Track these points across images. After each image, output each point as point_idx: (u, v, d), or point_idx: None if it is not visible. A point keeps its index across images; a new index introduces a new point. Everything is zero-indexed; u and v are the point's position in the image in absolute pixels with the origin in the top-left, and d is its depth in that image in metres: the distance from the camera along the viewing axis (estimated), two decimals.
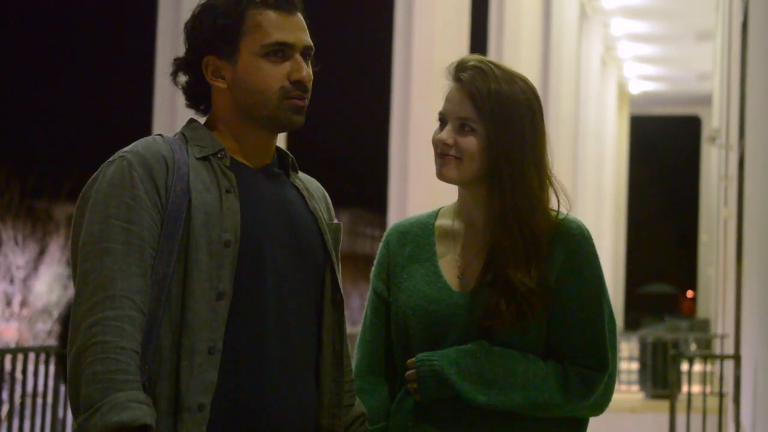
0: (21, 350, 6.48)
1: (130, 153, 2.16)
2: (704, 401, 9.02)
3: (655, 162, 49.72)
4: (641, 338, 15.75)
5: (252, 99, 2.23)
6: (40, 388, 6.60)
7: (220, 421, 2.11)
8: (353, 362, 2.49)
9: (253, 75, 2.22)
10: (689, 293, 47.45)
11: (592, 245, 2.40)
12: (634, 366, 15.92)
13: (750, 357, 7.91)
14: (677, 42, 24.09)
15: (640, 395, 14.86)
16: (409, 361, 2.38)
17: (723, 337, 13.90)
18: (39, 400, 6.56)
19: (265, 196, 2.24)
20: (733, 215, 11.88)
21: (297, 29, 2.24)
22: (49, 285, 23.91)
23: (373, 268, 2.52)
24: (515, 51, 13.80)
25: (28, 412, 6.36)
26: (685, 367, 11.63)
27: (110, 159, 2.18)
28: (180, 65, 2.27)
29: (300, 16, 2.27)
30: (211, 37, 2.22)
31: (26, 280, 23.74)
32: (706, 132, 28.87)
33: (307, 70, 2.24)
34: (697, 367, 13.05)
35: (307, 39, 2.26)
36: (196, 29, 2.24)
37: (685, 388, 12.14)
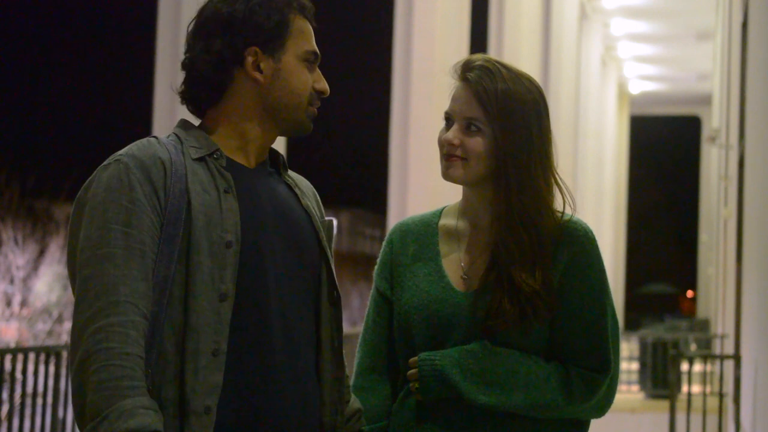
0: (21, 350, 6.48)
1: (126, 156, 2.14)
2: (704, 401, 9.02)
3: (655, 162, 49.73)
4: (641, 338, 15.76)
5: (287, 99, 2.26)
6: (40, 388, 6.60)
7: (227, 423, 2.10)
8: (355, 361, 2.49)
9: (294, 76, 2.26)
10: (689, 293, 47.46)
11: (596, 247, 2.39)
12: (634, 366, 15.93)
13: (750, 357, 7.91)
14: (677, 42, 24.09)
15: (640, 395, 14.87)
16: (411, 360, 2.38)
17: (723, 337, 13.90)
18: (39, 400, 6.56)
19: (261, 195, 2.24)
20: (733, 215, 11.88)
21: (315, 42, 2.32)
22: (49, 285, 23.90)
23: (376, 267, 2.52)
24: (515, 51, 13.80)
25: (28, 412, 6.36)
26: (685, 367, 11.63)
27: (105, 162, 2.15)
28: (212, 50, 2.23)
29: None
30: (262, 30, 2.23)
31: (26, 280, 23.73)
32: (706, 132, 28.86)
33: (326, 83, 2.32)
34: (697, 367, 13.05)
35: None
36: (247, 17, 2.23)
37: (685, 388, 12.15)
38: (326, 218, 2.39)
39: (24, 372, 6.29)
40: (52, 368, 6.55)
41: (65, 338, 22.60)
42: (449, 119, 2.41)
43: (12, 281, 23.56)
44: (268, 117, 2.26)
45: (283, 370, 2.18)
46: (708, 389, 10.24)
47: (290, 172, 2.38)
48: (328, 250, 2.33)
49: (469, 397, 2.31)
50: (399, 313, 2.42)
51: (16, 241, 23.88)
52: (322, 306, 2.29)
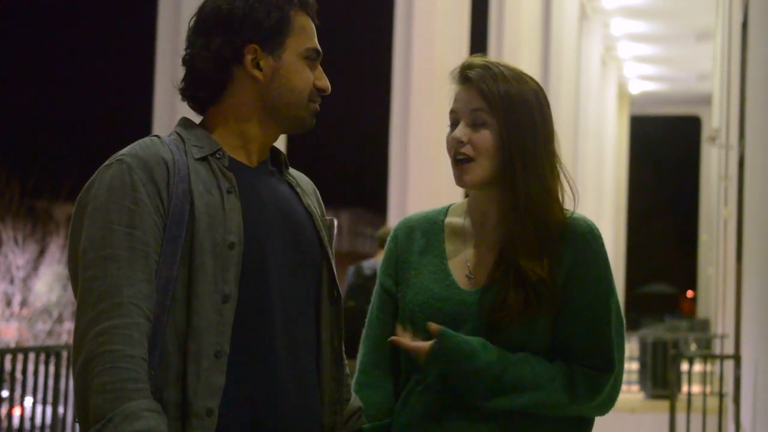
0: (21, 350, 6.48)
1: (129, 156, 2.12)
2: (704, 401, 9.02)
3: (655, 162, 49.74)
4: (641, 338, 15.75)
5: (288, 96, 2.24)
6: (40, 388, 6.60)
7: (229, 425, 2.09)
8: (358, 357, 2.49)
9: (295, 74, 2.24)
10: (689, 293, 47.47)
11: (602, 244, 2.39)
12: (634, 366, 15.92)
13: (750, 357, 7.91)
14: (677, 42, 24.08)
15: (640, 395, 14.86)
16: (434, 327, 2.33)
17: (723, 337, 13.90)
18: (39, 400, 6.56)
19: (263, 195, 2.23)
20: (733, 215, 11.88)
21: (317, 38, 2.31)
22: (49, 285, 23.90)
23: (380, 263, 2.51)
24: (515, 51, 13.80)
25: (28, 412, 6.36)
26: (685, 367, 11.62)
27: (107, 162, 2.14)
28: (211, 48, 2.21)
29: None
30: (262, 28, 2.22)
31: (26, 280, 23.73)
32: (706, 132, 28.85)
33: (327, 80, 2.31)
34: (697, 367, 13.04)
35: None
36: (246, 15, 2.22)
37: (685, 388, 12.14)
38: (327, 217, 2.39)
39: (24, 372, 6.29)
40: (52, 368, 6.55)
41: (65, 338, 22.60)
42: (455, 121, 2.41)
43: (12, 281, 23.57)
44: (268, 115, 2.25)
45: (284, 371, 2.17)
46: (708, 389, 10.23)
47: (291, 171, 2.37)
48: (329, 250, 2.32)
49: (475, 403, 2.31)
50: (403, 310, 2.42)
51: (16, 241, 23.88)
52: (322, 305, 2.29)
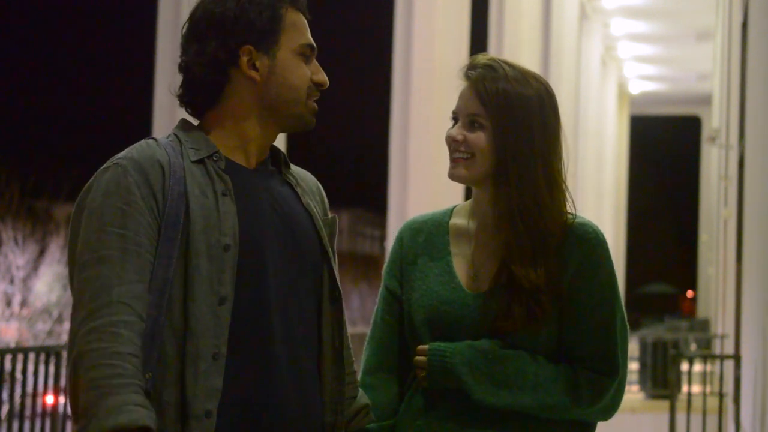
0: (21, 350, 6.48)
1: (125, 159, 2.14)
2: (704, 401, 9.01)
3: (655, 162, 49.72)
4: (641, 338, 15.75)
5: (286, 94, 2.24)
6: (40, 388, 6.60)
7: (228, 427, 2.10)
8: (362, 358, 2.48)
9: (290, 71, 2.24)
10: (689, 293, 47.43)
11: (607, 249, 2.38)
12: (634, 366, 15.92)
13: (750, 357, 7.91)
14: (677, 42, 24.07)
15: (640, 395, 14.86)
16: (420, 347, 2.37)
17: (723, 337, 13.90)
18: (39, 400, 6.56)
19: (260, 196, 2.23)
20: (733, 215, 11.87)
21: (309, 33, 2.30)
22: (49, 285, 23.90)
23: (385, 265, 2.51)
24: (515, 51, 13.79)
25: (28, 412, 6.36)
26: (685, 367, 11.62)
27: (104, 166, 2.15)
28: (205, 52, 2.21)
29: None
30: (255, 28, 2.22)
31: (26, 280, 23.72)
32: (706, 132, 28.84)
33: (324, 74, 2.30)
34: (697, 367, 13.04)
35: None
36: (238, 16, 2.21)
37: (685, 388, 12.13)
38: (329, 215, 2.38)
39: (24, 372, 6.29)
40: (52, 368, 6.55)
41: (65, 338, 22.57)
42: (456, 117, 2.42)
43: (12, 281, 23.55)
44: (267, 114, 2.25)
45: (283, 372, 2.17)
46: (708, 389, 10.23)
47: (293, 169, 2.37)
48: (330, 249, 2.32)
49: (476, 398, 2.31)
50: (408, 312, 2.42)
51: (16, 241, 23.87)
52: (323, 305, 2.29)
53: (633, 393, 14.99)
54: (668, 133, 45.04)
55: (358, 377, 2.46)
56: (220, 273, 2.12)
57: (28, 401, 6.45)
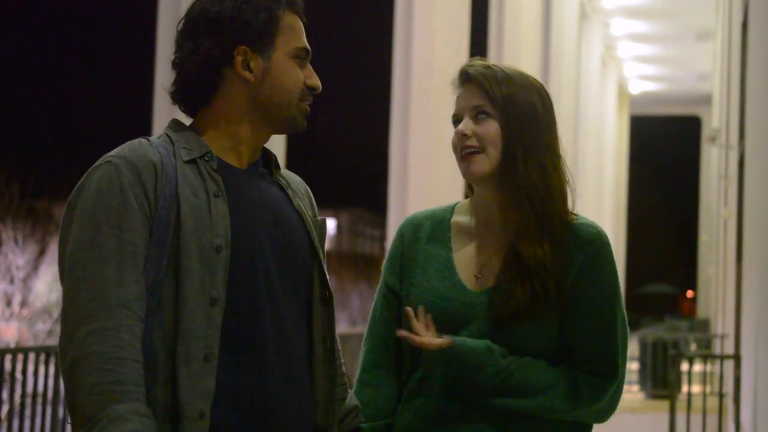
0: (21, 350, 6.48)
1: (117, 157, 2.13)
2: (704, 401, 9.02)
3: (655, 162, 49.73)
4: (641, 338, 15.76)
5: (279, 97, 2.23)
6: (40, 388, 6.60)
7: (222, 428, 2.09)
8: (361, 355, 2.48)
9: (285, 74, 2.23)
10: (689, 293, 47.45)
11: (610, 251, 2.38)
12: (634, 366, 15.92)
13: (750, 357, 7.91)
14: (677, 42, 24.07)
15: (640, 395, 14.87)
16: (440, 342, 2.30)
17: (723, 337, 13.90)
18: (39, 400, 6.55)
19: (252, 197, 2.23)
20: (733, 215, 11.88)
21: (306, 37, 2.29)
22: (49, 285, 23.90)
23: (384, 261, 2.50)
24: (515, 51, 13.79)
25: (28, 412, 6.36)
26: (685, 367, 11.63)
27: (96, 164, 2.14)
28: (200, 51, 2.21)
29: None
30: (251, 29, 2.21)
31: (26, 280, 23.71)
32: (706, 132, 28.84)
33: (317, 78, 2.29)
34: (697, 367, 13.05)
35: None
36: (235, 16, 2.21)
37: (685, 388, 12.14)
38: (318, 218, 2.38)
39: (24, 372, 6.29)
40: (52, 368, 6.54)
41: None
42: (457, 120, 2.41)
43: (12, 281, 23.54)
44: (259, 116, 2.24)
45: (276, 373, 2.17)
46: (708, 389, 10.23)
47: (283, 171, 2.37)
48: (320, 251, 2.32)
49: (486, 385, 2.30)
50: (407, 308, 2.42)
51: (16, 241, 23.86)
52: (314, 306, 2.28)
53: (633, 393, 15.00)
54: (668, 133, 45.05)
55: (357, 374, 2.46)
56: (211, 274, 2.11)
57: (28, 401, 6.45)
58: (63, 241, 2.11)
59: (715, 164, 22.39)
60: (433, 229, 2.47)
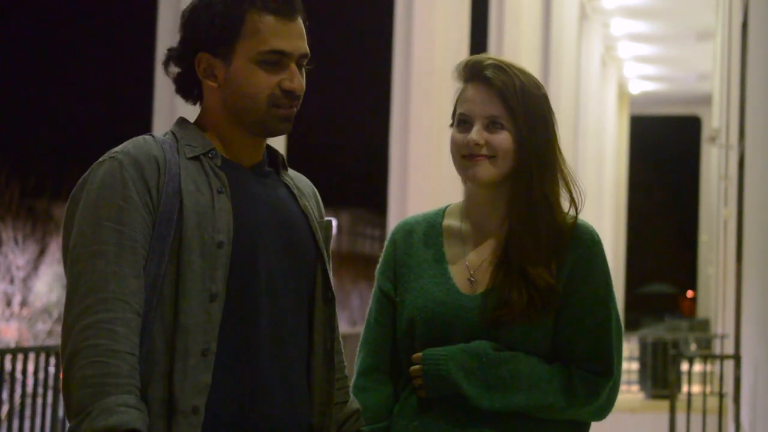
0: (21, 350, 6.48)
1: (121, 153, 2.14)
2: (704, 401, 9.02)
3: (655, 162, 49.72)
4: (641, 338, 15.75)
5: (241, 103, 2.20)
6: (40, 388, 6.60)
7: (215, 423, 2.10)
8: (357, 360, 2.48)
9: (244, 80, 2.19)
10: (689, 293, 47.44)
11: (602, 249, 2.39)
12: (634, 366, 15.92)
13: (750, 357, 7.91)
14: (677, 42, 24.06)
15: (640, 395, 14.86)
16: (414, 356, 2.37)
17: (723, 337, 13.90)
18: (39, 400, 6.56)
19: (256, 195, 2.23)
20: (733, 215, 11.87)
21: (295, 37, 2.21)
22: (49, 285, 23.89)
23: (378, 266, 2.50)
24: (515, 51, 13.79)
25: (28, 412, 6.36)
26: (685, 367, 11.63)
27: (100, 159, 2.15)
28: (172, 57, 2.24)
29: (300, 21, 2.23)
30: (208, 35, 2.19)
31: (26, 280, 23.71)
32: (706, 132, 28.84)
33: (299, 80, 2.21)
34: (697, 367, 13.05)
35: (304, 47, 2.23)
36: (192, 24, 2.20)
37: (685, 388, 12.14)
38: (325, 219, 2.38)
39: (24, 372, 6.29)
40: (52, 368, 6.55)
41: None
42: (465, 120, 2.38)
43: (12, 281, 23.53)
44: (234, 120, 2.23)
45: (270, 371, 2.17)
46: (708, 389, 10.23)
47: (290, 171, 2.36)
48: (325, 251, 2.31)
49: (473, 402, 2.31)
50: (402, 314, 2.41)
51: (16, 241, 23.85)
52: (316, 306, 2.28)
53: (633, 393, 14.99)
54: (668, 133, 45.05)
55: (353, 379, 2.46)
56: (212, 270, 2.11)
57: (28, 401, 6.45)
58: (66, 235, 2.13)
59: (715, 164, 22.39)
60: (425, 233, 2.47)
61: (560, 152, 2.40)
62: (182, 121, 2.28)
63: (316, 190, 2.43)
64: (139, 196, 2.10)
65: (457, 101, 2.42)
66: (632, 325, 31.79)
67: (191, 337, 2.08)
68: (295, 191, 2.32)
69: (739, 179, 10.68)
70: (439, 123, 9.83)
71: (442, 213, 2.50)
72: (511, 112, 2.34)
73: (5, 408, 14.31)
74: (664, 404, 11.73)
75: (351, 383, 2.45)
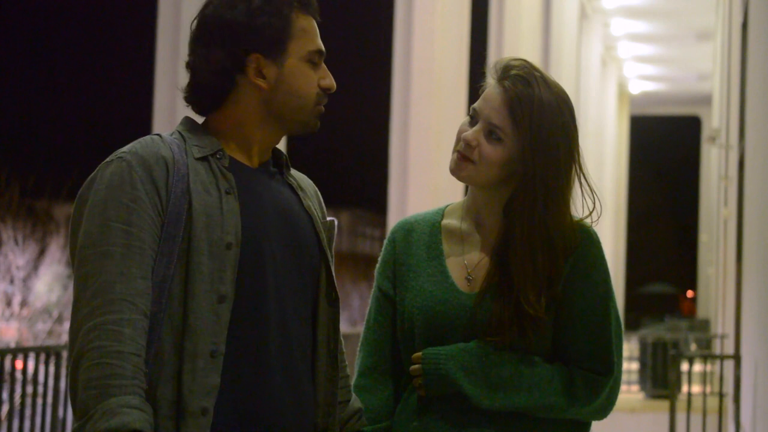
0: (21, 350, 6.48)
1: (129, 153, 2.13)
2: (704, 401, 9.02)
3: (655, 162, 49.69)
4: (641, 338, 15.74)
5: (294, 102, 2.23)
6: (40, 388, 6.60)
7: (223, 424, 2.10)
8: (357, 361, 2.48)
9: (299, 79, 2.23)
10: (689, 293, 47.42)
11: (600, 249, 2.39)
12: (634, 366, 15.92)
13: (750, 357, 7.91)
14: (677, 42, 24.07)
15: (640, 395, 14.86)
16: (414, 355, 2.37)
17: (723, 337, 13.90)
18: (39, 400, 6.55)
19: (263, 196, 2.23)
20: (733, 215, 11.88)
21: (319, 36, 2.28)
22: (49, 285, 23.88)
23: (377, 266, 2.50)
24: (515, 51, 13.78)
25: (28, 412, 6.36)
26: (685, 367, 11.62)
27: (108, 159, 2.15)
28: (221, 58, 2.19)
29: None
30: (263, 36, 2.20)
31: (26, 280, 23.71)
32: (706, 132, 28.84)
33: (332, 78, 2.29)
34: (697, 367, 13.04)
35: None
36: (246, 24, 2.20)
37: (685, 388, 12.14)
38: (328, 219, 2.38)
39: (24, 372, 6.29)
40: (52, 368, 6.54)
41: (65, 338, 22.57)
42: (474, 116, 2.39)
43: (12, 281, 23.53)
44: (273, 120, 2.25)
45: (278, 372, 2.17)
46: (708, 389, 10.24)
47: (293, 172, 2.37)
48: (329, 252, 2.32)
49: (474, 401, 2.31)
50: (402, 313, 2.42)
51: (16, 241, 23.85)
52: (320, 307, 2.29)
53: (633, 393, 14.99)
54: (668, 133, 45.02)
55: (353, 379, 2.46)
56: (221, 271, 2.11)
57: (28, 401, 6.45)
58: (73, 235, 2.12)
59: (715, 164, 22.39)
60: (424, 233, 2.47)
61: (571, 175, 2.38)
62: (189, 122, 2.27)
63: (318, 190, 2.43)
64: (147, 197, 2.10)
65: (480, 93, 2.43)
66: (632, 325, 31.79)
67: (200, 339, 2.08)
68: (299, 192, 2.33)
69: (739, 179, 10.69)
70: (439, 123, 9.83)
71: (441, 212, 2.51)
72: (517, 128, 2.33)
73: (5, 408, 14.31)
74: (664, 404, 11.73)
75: (352, 383, 2.45)
